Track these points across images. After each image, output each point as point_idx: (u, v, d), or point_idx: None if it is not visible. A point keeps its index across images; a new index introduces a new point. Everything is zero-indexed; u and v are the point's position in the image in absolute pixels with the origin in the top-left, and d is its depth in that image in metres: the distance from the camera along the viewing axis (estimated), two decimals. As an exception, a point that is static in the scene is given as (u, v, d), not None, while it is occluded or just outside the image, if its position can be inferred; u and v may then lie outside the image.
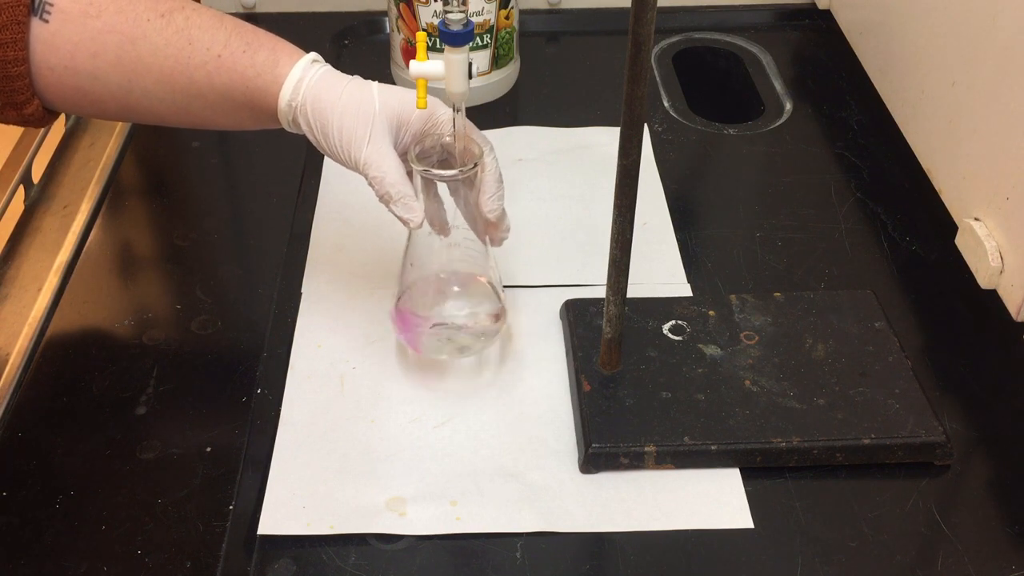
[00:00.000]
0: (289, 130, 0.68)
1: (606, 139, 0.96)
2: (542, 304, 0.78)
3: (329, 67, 0.67)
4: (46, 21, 0.62)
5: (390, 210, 0.66)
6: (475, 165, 0.65)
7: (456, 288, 0.72)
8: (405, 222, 0.66)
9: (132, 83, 0.65)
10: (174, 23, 0.64)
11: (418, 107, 0.63)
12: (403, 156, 0.66)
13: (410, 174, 0.66)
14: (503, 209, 0.68)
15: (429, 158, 0.66)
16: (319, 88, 0.65)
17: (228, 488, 0.65)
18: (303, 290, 0.79)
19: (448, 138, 0.66)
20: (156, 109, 0.67)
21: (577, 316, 0.75)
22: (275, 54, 0.65)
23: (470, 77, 0.63)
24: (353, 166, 0.65)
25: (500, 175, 0.67)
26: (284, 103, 0.65)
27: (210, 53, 0.64)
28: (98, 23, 0.63)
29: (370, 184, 0.65)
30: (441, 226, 0.70)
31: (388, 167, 0.64)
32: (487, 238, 0.70)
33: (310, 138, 0.66)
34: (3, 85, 0.63)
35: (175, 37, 0.64)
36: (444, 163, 0.67)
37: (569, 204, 0.89)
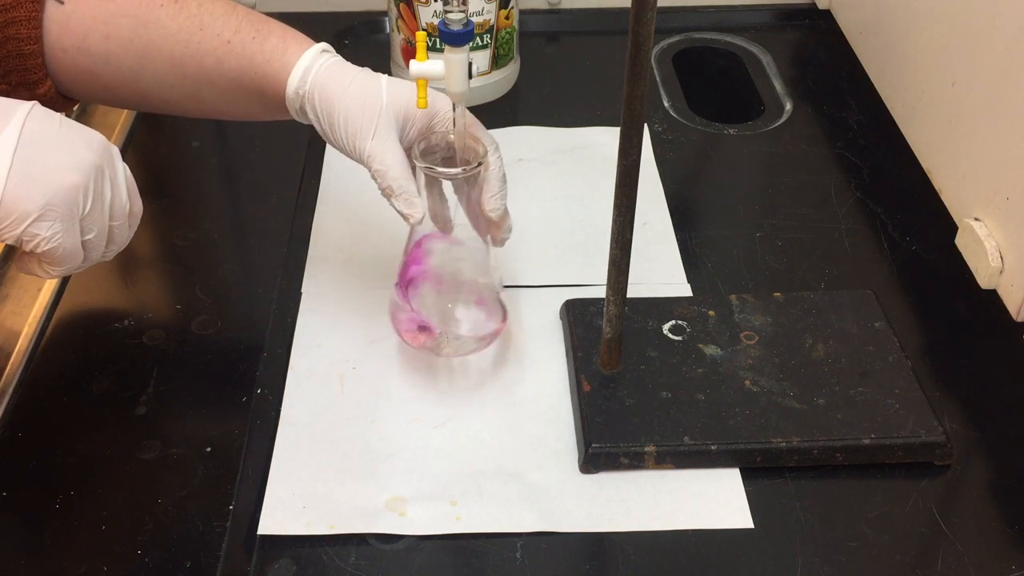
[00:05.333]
0: (298, 120, 0.68)
1: (606, 139, 0.96)
2: (542, 304, 0.78)
3: (339, 58, 0.67)
4: (61, 2, 0.63)
5: (391, 204, 0.65)
6: (479, 164, 0.65)
7: (456, 287, 0.72)
8: (405, 217, 0.66)
9: (143, 67, 0.66)
10: (187, 9, 0.65)
11: (418, 107, 0.63)
12: (408, 151, 0.66)
13: (414, 169, 0.66)
14: (505, 209, 0.68)
15: (434, 154, 0.66)
16: (327, 77, 0.65)
17: (228, 488, 0.65)
18: (303, 290, 0.79)
19: (452, 135, 0.66)
20: (167, 95, 0.67)
21: (577, 316, 0.75)
22: (284, 42, 0.66)
23: (470, 77, 0.63)
24: (357, 157, 0.65)
25: (504, 175, 0.67)
26: (292, 91, 0.65)
27: (220, 39, 0.65)
28: (112, 6, 0.64)
29: (373, 177, 0.65)
30: (444, 224, 0.70)
31: (392, 161, 0.64)
32: (488, 238, 0.70)
33: (317, 128, 0.66)
34: (17, 63, 0.63)
35: (187, 22, 0.65)
36: (449, 160, 0.67)
37: (569, 204, 0.89)
